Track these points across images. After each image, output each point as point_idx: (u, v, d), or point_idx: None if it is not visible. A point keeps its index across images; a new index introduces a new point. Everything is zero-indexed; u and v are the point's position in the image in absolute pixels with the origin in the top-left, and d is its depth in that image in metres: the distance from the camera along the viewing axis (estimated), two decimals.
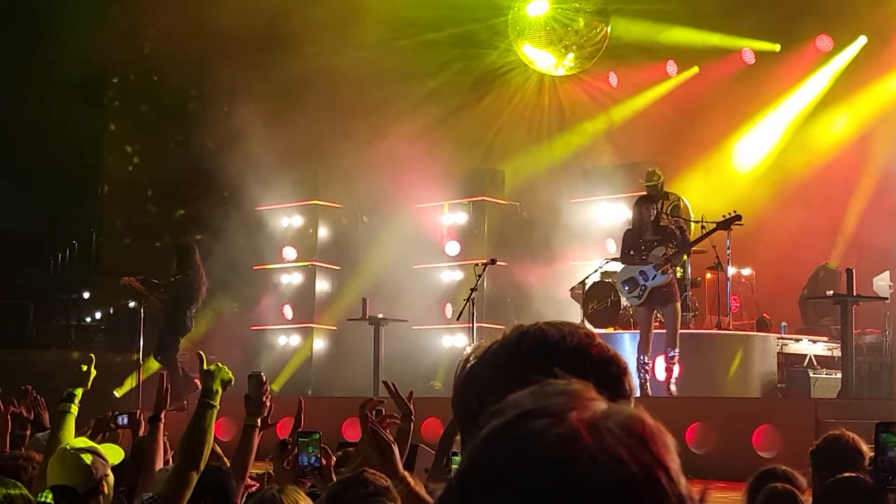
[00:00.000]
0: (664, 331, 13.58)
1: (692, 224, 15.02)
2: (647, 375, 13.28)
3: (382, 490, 3.53)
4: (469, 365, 1.91)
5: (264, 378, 5.40)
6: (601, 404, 1.21)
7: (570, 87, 20.51)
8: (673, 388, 13.33)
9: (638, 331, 14.12)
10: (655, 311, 13.60)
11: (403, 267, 19.86)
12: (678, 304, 13.40)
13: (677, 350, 13.23)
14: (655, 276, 13.25)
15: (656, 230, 13.53)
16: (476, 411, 1.56)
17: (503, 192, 20.22)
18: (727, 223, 13.47)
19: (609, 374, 1.86)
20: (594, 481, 1.13)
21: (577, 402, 1.20)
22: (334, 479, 4.59)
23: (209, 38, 18.87)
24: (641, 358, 13.33)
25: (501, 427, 1.21)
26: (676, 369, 13.30)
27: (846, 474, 3.93)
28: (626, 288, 13.58)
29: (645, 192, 14.14)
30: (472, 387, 1.86)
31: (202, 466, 4.23)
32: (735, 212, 13.67)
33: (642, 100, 20.02)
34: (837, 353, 13.94)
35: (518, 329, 1.94)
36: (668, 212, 15.10)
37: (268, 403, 5.35)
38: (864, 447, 5.30)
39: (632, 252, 13.56)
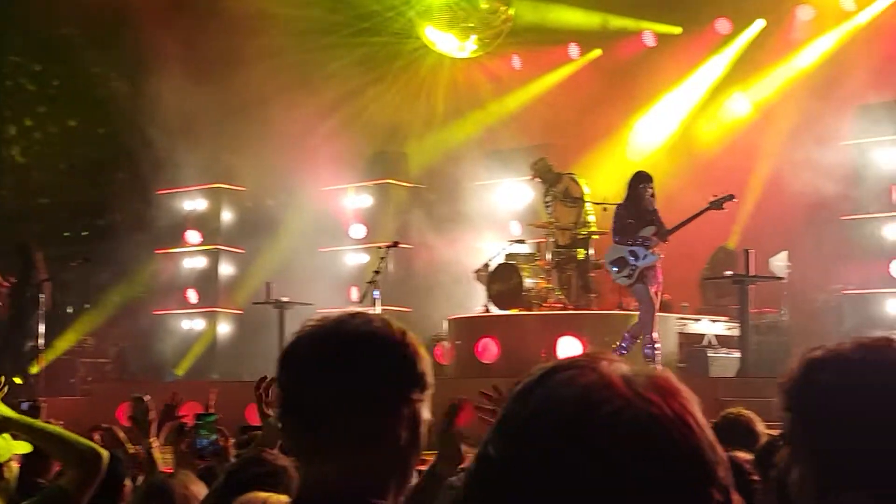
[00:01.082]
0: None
1: (586, 203, 15.11)
2: (654, 353, 12.79)
3: (279, 469, 3.54)
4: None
5: (146, 400, 5.33)
6: (623, 364, 1.28)
7: (474, 70, 20.56)
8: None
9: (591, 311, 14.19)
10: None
11: (308, 250, 19.80)
12: (660, 288, 13.10)
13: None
14: (646, 255, 12.89)
15: (650, 210, 13.08)
16: None
17: (408, 175, 20.26)
18: (719, 202, 12.96)
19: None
20: (628, 420, 1.19)
21: (602, 359, 1.28)
22: (232, 460, 4.59)
23: (107, 16, 18.60)
24: (650, 336, 12.86)
25: (529, 382, 1.28)
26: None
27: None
28: (615, 268, 13.08)
29: (644, 171, 13.41)
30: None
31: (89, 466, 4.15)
32: (729, 193, 13.08)
33: (545, 82, 20.14)
34: (736, 332, 14.17)
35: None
36: (561, 196, 15.23)
37: (154, 424, 5.29)
38: (760, 427, 5.40)
39: (628, 230, 13.00)
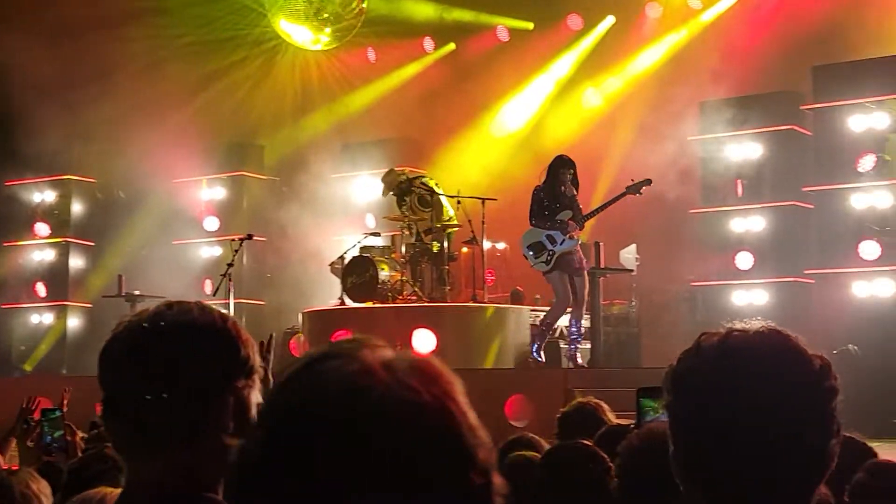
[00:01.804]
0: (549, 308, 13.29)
1: (441, 198, 15.20)
2: (577, 346, 12.81)
3: (104, 471, 3.49)
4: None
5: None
6: (387, 351, 1.28)
7: (329, 63, 20.51)
8: (580, 359, 13.06)
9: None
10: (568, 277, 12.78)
11: (161, 242, 19.54)
12: (586, 273, 12.90)
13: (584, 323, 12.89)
14: (564, 240, 12.67)
15: (568, 195, 12.84)
16: None
17: (262, 167, 20.13)
18: (637, 187, 12.77)
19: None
20: (391, 408, 1.20)
21: (367, 347, 1.28)
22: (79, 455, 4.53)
23: None
24: (574, 325, 12.80)
25: (296, 370, 1.27)
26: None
27: (576, 441, 4.09)
28: (532, 253, 12.84)
29: (566, 155, 13.08)
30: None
31: None
32: (646, 178, 13.00)
33: (400, 76, 20.19)
34: (587, 323, 14.39)
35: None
36: (417, 203, 15.27)
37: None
38: (609, 416, 5.51)
39: (546, 213, 12.75)
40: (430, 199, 15.20)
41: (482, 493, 1.23)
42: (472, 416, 1.27)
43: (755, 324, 1.88)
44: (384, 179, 15.83)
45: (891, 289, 14.03)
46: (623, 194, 12.80)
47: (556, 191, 12.75)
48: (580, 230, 12.82)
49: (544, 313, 13.36)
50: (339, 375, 1.23)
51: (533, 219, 12.82)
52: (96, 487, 3.00)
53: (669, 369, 1.89)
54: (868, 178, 14.33)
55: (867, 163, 14.30)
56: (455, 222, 15.32)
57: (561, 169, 12.78)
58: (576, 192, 12.89)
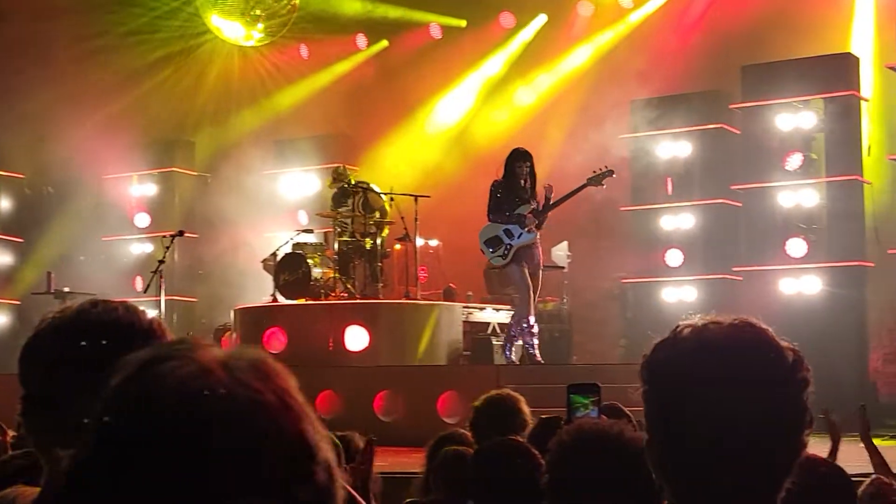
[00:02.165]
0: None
1: (380, 210, 15.20)
2: (534, 340, 12.52)
3: (26, 466, 3.47)
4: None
5: None
6: (221, 350, 1.25)
7: (261, 59, 20.42)
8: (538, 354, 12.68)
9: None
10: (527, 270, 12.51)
11: (91, 239, 19.35)
12: (541, 272, 12.67)
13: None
14: (521, 234, 12.45)
15: (525, 188, 12.62)
16: None
17: (194, 164, 19.99)
18: (598, 178, 12.62)
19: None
20: (233, 409, 1.16)
21: (199, 347, 1.23)
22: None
23: None
24: (528, 321, 12.49)
25: (127, 375, 1.21)
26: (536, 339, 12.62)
27: (506, 437, 4.12)
28: (490, 249, 12.60)
29: (522, 148, 12.71)
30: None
31: None
32: (607, 166, 12.81)
33: (333, 72, 20.16)
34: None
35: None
36: (359, 206, 15.24)
37: None
38: (525, 407, 5.53)
39: (503, 208, 12.53)
40: (378, 205, 15.20)
41: (326, 489, 1.22)
42: (312, 412, 1.25)
43: (729, 316, 1.89)
44: (335, 173, 15.74)
45: (817, 286, 14.23)
46: (584, 186, 12.65)
47: (514, 185, 12.52)
48: (539, 225, 12.55)
49: (512, 312, 13.09)
50: (176, 378, 1.18)
51: (490, 213, 12.63)
52: (14, 485, 2.97)
53: (645, 359, 1.90)
54: (795, 177, 14.53)
55: (794, 161, 14.50)
56: (388, 219, 15.33)
57: (517, 162, 12.54)
58: (534, 185, 12.67)
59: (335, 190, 15.65)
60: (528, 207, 12.48)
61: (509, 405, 5.44)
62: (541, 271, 12.65)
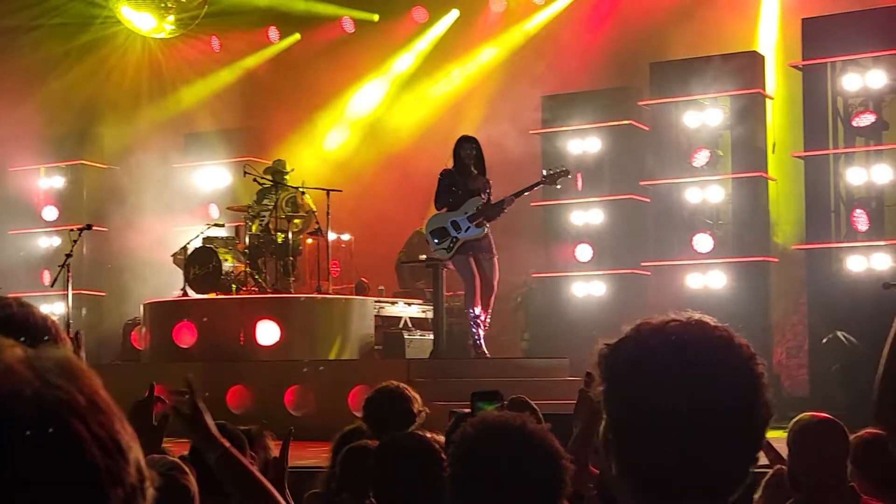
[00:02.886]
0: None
1: (293, 205, 15.15)
2: (479, 331, 12.26)
3: None
4: None
5: None
6: (25, 350, 1.21)
7: (172, 51, 20.23)
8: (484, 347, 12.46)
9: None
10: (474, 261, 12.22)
11: None
12: (495, 259, 12.32)
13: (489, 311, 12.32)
14: (469, 227, 12.11)
15: (476, 177, 12.22)
16: None
17: (103, 156, 19.74)
18: (553, 178, 12.38)
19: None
20: (42, 411, 1.14)
21: (2, 347, 1.20)
22: None
23: None
24: (472, 312, 12.25)
25: None
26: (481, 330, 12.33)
27: (408, 431, 4.15)
28: (435, 240, 12.26)
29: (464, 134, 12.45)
30: None
31: None
32: (563, 167, 12.62)
33: (245, 65, 20.05)
34: (430, 315, 14.50)
35: None
36: (284, 204, 15.16)
37: None
38: (412, 393, 5.54)
39: (450, 199, 12.18)
40: (299, 205, 15.12)
41: (137, 489, 1.20)
42: (121, 412, 1.22)
43: (689, 313, 1.92)
44: (273, 165, 15.56)
45: (722, 280, 14.46)
46: (538, 184, 12.43)
47: (462, 170, 12.17)
48: (488, 220, 12.22)
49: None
50: None
51: (437, 203, 12.35)
52: None
53: (602, 356, 1.91)
54: (702, 173, 14.75)
55: (701, 158, 14.71)
56: (300, 213, 15.28)
57: (462, 146, 12.25)
58: (483, 169, 12.33)
59: (263, 184, 15.44)
60: (478, 201, 12.15)
61: (399, 396, 5.45)
62: (493, 263, 12.30)
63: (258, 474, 3.16)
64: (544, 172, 12.56)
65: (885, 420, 2.90)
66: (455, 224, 12.18)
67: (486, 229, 12.17)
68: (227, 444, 3.18)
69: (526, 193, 12.44)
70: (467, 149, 12.18)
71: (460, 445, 2.85)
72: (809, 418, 4.53)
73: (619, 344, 1.91)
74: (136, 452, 1.21)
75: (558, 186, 12.88)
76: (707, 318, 1.92)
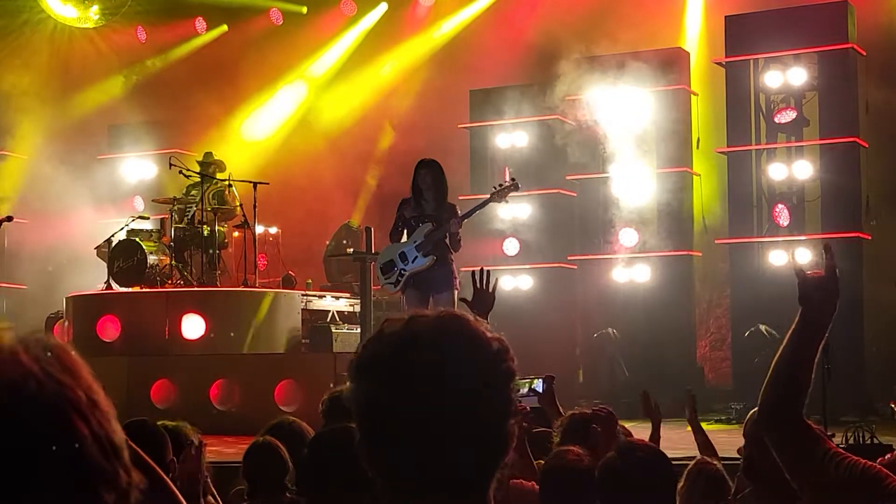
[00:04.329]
0: None
1: (219, 198, 15.08)
2: None
3: None
4: None
5: None
6: (18, 337, 1.20)
7: (97, 41, 20.00)
8: None
9: None
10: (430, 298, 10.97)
11: None
12: (454, 294, 10.83)
13: None
14: (416, 258, 10.91)
15: (438, 205, 10.97)
16: None
17: (25, 147, 19.45)
18: (502, 193, 11.16)
19: None
20: (46, 406, 1.13)
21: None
22: None
23: None
24: None
25: None
26: None
27: (337, 425, 4.14)
28: (384, 275, 11.16)
29: (426, 158, 11.19)
30: None
31: None
32: (513, 179, 11.43)
33: (171, 56, 19.88)
34: (358, 308, 14.49)
35: None
36: (211, 197, 15.07)
37: None
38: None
39: (401, 228, 11.07)
40: (226, 199, 15.03)
41: (127, 491, 1.19)
42: (113, 409, 1.21)
43: (438, 310, 1.91)
44: (204, 160, 15.42)
45: (648, 274, 14.60)
46: (487, 201, 11.32)
47: (417, 198, 11.01)
48: (438, 250, 10.93)
49: None
50: None
51: (390, 235, 11.23)
52: None
53: (352, 358, 1.91)
54: (630, 167, 14.87)
55: (627, 153, 14.84)
56: (224, 206, 15.19)
57: (419, 171, 11.02)
58: (442, 196, 10.98)
59: (189, 176, 15.31)
60: (427, 227, 10.92)
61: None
62: (450, 298, 10.81)
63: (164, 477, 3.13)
64: (494, 187, 11.50)
65: (766, 423, 2.95)
66: (402, 255, 11.01)
67: (432, 259, 10.87)
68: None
69: (477, 212, 11.45)
70: (422, 174, 10.95)
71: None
72: None
73: (364, 344, 1.92)
74: (126, 454, 1.19)
75: (507, 202, 12.09)
76: (456, 313, 1.91)
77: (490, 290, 5.87)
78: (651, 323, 14.35)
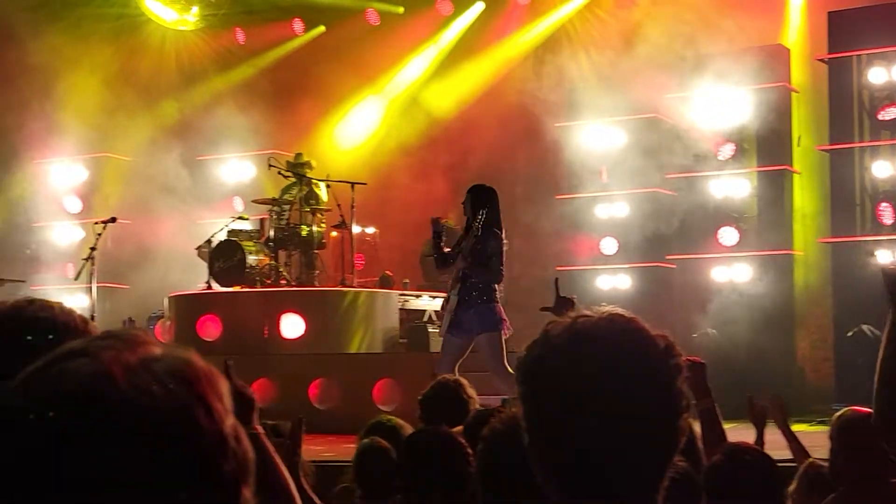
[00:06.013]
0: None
1: (317, 198, 15.19)
2: None
3: None
4: None
5: None
6: (154, 349, 1.21)
7: (197, 43, 20.27)
8: None
9: None
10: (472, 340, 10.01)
11: (23, 225, 19.14)
12: (497, 334, 9.88)
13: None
14: (449, 297, 10.08)
15: (470, 234, 10.03)
16: None
17: (128, 148, 19.77)
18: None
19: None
20: (122, 416, 1.12)
21: (122, 345, 1.19)
22: None
23: None
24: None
25: (41, 366, 1.20)
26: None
27: (433, 426, 4.14)
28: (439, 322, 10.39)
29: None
30: None
31: None
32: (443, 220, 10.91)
33: (269, 57, 20.05)
34: None
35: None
36: (305, 198, 15.19)
37: None
38: (469, 391, 5.56)
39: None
40: (319, 196, 15.16)
41: None
42: (229, 424, 1.19)
43: (602, 309, 1.91)
44: (295, 160, 15.60)
45: (747, 273, 14.42)
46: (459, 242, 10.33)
47: (463, 232, 10.37)
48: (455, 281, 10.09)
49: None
50: (75, 378, 1.14)
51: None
52: None
53: (518, 360, 1.91)
54: (727, 167, 14.70)
55: (726, 151, 14.67)
56: (324, 207, 15.31)
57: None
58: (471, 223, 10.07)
59: (287, 177, 15.47)
60: (460, 263, 10.03)
61: (455, 391, 5.45)
62: (489, 338, 9.89)
63: (283, 470, 3.15)
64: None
65: (886, 425, 2.88)
66: (447, 298, 10.25)
67: (455, 295, 9.97)
68: (261, 431, 3.18)
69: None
70: (464, 204, 10.26)
71: (490, 440, 2.85)
72: (853, 413, 4.51)
73: (529, 347, 1.91)
74: (230, 467, 1.18)
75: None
76: (621, 312, 1.91)
77: (569, 296, 5.79)
78: (751, 322, 14.16)
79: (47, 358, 1.20)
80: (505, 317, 10.00)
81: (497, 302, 10.01)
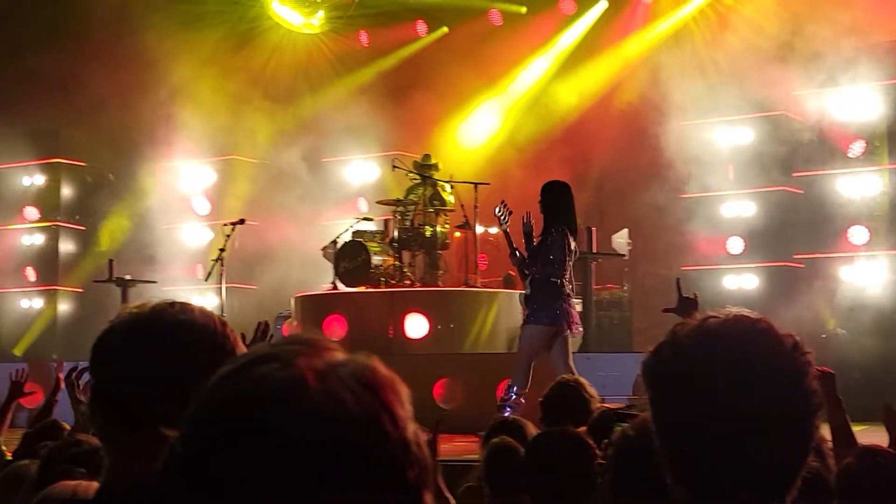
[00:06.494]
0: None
1: (441, 199, 15.24)
2: (507, 409, 9.84)
3: (81, 454, 3.50)
4: None
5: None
6: (338, 354, 1.23)
7: (321, 46, 20.48)
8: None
9: None
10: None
11: (152, 226, 19.53)
12: (528, 328, 10.26)
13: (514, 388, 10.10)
14: (521, 293, 10.51)
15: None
16: None
17: (255, 150, 20.06)
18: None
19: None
20: (314, 421, 1.14)
21: (310, 350, 1.22)
22: None
23: None
24: (512, 387, 10.18)
25: (230, 370, 1.22)
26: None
27: (560, 427, 4.12)
28: None
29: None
30: None
31: None
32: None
33: (392, 59, 20.18)
34: (579, 308, 14.42)
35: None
36: (429, 199, 15.25)
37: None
38: (590, 390, 5.53)
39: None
40: (446, 205, 15.20)
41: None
42: (411, 431, 1.21)
43: (729, 310, 1.90)
44: (422, 162, 15.71)
45: (878, 273, 14.10)
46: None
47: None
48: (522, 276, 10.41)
49: None
50: (268, 382, 1.17)
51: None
52: (71, 475, 2.99)
53: (646, 363, 1.90)
54: (857, 164, 14.41)
55: (856, 149, 14.38)
56: (448, 207, 15.36)
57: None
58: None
59: (412, 178, 15.56)
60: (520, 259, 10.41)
61: (575, 391, 5.43)
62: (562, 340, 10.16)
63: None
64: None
65: None
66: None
67: (519, 295, 10.41)
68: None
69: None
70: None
71: (620, 446, 2.82)
72: None
73: (657, 349, 1.90)
74: (413, 475, 1.19)
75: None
76: (746, 312, 1.90)
77: (692, 296, 5.67)
78: (881, 322, 13.84)
79: (235, 362, 1.23)
80: (561, 315, 10.10)
81: (556, 298, 10.08)
